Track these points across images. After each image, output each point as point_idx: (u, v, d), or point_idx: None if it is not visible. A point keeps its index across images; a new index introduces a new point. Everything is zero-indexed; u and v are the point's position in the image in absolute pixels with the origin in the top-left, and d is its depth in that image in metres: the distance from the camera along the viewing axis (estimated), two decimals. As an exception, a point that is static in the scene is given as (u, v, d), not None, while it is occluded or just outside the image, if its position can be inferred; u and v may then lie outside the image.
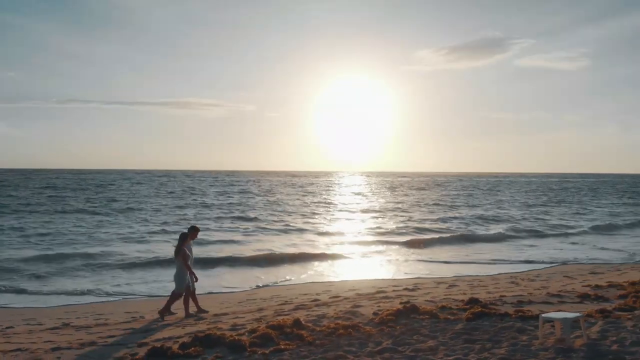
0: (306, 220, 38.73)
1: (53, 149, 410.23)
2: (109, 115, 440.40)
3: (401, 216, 41.94)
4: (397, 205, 53.22)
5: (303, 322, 9.60)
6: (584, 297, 12.68)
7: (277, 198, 63.00)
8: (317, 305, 12.20)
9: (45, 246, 24.12)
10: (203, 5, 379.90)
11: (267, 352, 8.05)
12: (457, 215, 43.53)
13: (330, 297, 13.64)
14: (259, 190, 79.46)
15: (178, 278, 11.65)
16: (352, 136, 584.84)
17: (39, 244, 24.71)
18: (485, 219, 40.46)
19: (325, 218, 40.79)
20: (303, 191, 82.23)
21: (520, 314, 10.37)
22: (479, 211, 47.06)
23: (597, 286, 14.30)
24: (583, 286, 14.53)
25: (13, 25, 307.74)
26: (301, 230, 32.28)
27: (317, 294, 14.40)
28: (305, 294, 14.52)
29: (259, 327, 9.30)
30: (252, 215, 40.86)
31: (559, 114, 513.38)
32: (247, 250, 24.04)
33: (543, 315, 8.10)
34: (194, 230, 12.31)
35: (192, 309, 11.86)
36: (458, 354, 7.70)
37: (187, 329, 9.94)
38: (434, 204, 55.31)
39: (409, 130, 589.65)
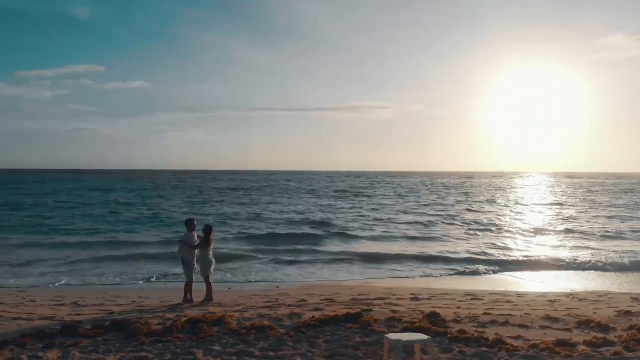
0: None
1: (241, 152, 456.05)
2: (288, 122, 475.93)
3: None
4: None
5: (226, 320, 10.40)
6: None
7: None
8: (289, 306, 12.73)
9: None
10: (370, 10, 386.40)
11: (147, 341, 9.07)
12: None
13: (322, 300, 13.94)
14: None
15: (203, 265, 13.89)
16: (532, 134, 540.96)
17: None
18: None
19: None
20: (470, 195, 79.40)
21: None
22: None
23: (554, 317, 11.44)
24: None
25: (208, 42, 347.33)
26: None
27: (319, 295, 14.75)
28: (310, 294, 14.98)
29: (179, 319, 10.35)
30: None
31: None
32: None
33: (387, 335, 7.81)
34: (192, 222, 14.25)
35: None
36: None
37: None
38: None
39: (600, 126, 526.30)
